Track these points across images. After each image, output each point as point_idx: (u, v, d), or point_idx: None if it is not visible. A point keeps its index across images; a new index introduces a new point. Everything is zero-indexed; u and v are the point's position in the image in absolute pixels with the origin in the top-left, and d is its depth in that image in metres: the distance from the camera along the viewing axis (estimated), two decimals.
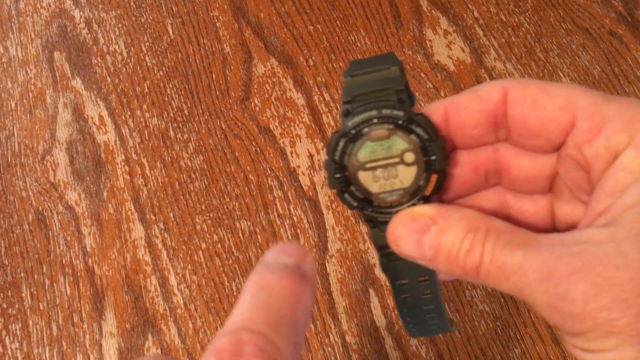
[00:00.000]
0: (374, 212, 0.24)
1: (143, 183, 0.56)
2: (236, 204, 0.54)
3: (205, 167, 0.56)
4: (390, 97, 0.23)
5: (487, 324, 0.49)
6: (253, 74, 0.61)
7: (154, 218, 0.54)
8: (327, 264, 0.52)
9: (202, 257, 0.53)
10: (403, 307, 0.26)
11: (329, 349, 0.49)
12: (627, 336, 0.18)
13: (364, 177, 0.23)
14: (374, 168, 0.23)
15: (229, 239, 0.53)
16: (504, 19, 0.62)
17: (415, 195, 0.23)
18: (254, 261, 0.52)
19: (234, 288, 0.51)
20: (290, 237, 0.53)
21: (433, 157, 0.23)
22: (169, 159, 0.57)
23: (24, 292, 0.52)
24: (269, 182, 0.55)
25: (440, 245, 0.21)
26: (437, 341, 0.48)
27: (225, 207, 0.54)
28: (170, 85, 0.60)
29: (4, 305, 0.52)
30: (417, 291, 0.25)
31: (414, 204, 0.23)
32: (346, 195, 0.24)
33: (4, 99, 0.61)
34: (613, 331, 0.18)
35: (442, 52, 0.60)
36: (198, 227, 0.54)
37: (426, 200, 0.24)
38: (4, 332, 0.51)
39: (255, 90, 0.60)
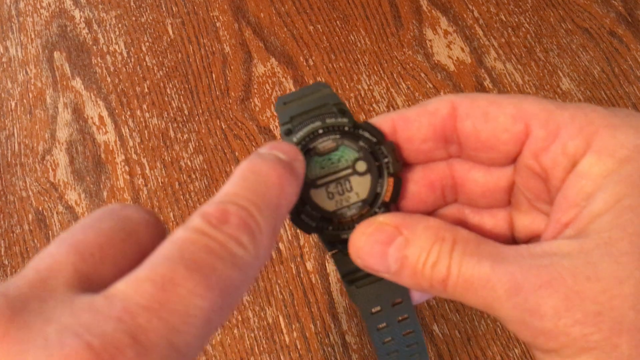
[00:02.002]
0: (336, 230, 0.22)
1: (143, 183, 0.56)
2: None
3: (205, 167, 0.56)
4: (331, 109, 0.22)
5: (487, 324, 0.49)
6: (253, 74, 0.61)
7: None
8: (327, 264, 0.52)
9: None
10: (380, 341, 0.24)
11: (329, 349, 0.49)
12: (602, 352, 0.17)
13: (317, 195, 0.22)
14: (326, 184, 0.22)
15: None
16: (504, 19, 0.62)
17: (375, 203, 0.22)
18: None
19: None
20: (290, 236, 0.53)
21: (385, 160, 0.22)
22: (169, 159, 0.57)
23: None
24: None
25: (406, 257, 0.20)
26: (437, 341, 0.48)
27: None
28: (170, 85, 0.60)
29: None
30: (393, 317, 0.23)
31: (375, 213, 0.22)
32: (303, 217, 0.22)
33: (4, 99, 0.61)
34: (588, 347, 0.17)
35: (442, 52, 0.60)
36: None
37: (387, 207, 0.23)
38: None
39: (255, 90, 0.60)
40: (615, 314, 0.17)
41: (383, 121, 0.23)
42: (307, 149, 0.22)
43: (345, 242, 0.22)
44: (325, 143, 0.22)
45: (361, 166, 0.22)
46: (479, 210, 0.25)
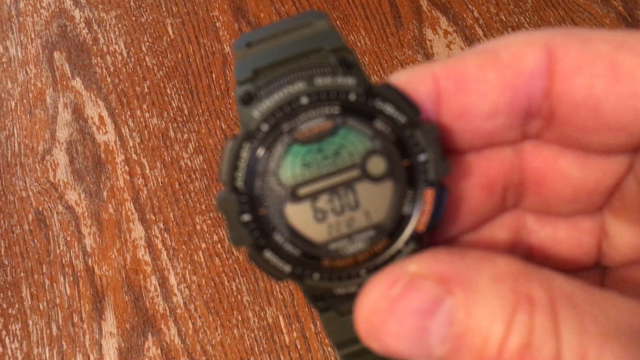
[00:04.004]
0: (326, 280, 0.13)
1: (143, 183, 0.56)
2: None
3: (205, 167, 0.56)
4: (326, 60, 0.13)
5: None
6: None
7: (154, 218, 0.54)
8: None
9: (202, 257, 0.53)
10: None
11: (329, 349, 0.49)
12: None
13: (296, 214, 0.13)
14: (313, 195, 0.13)
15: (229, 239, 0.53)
16: (504, 19, 0.62)
17: (399, 234, 0.13)
18: None
19: (234, 288, 0.51)
20: None
21: (422, 158, 0.13)
22: (169, 159, 0.57)
23: (24, 292, 0.52)
24: None
25: (465, 335, 0.12)
26: None
27: None
28: (170, 85, 0.60)
29: (4, 305, 0.52)
30: None
31: (399, 254, 0.13)
32: (268, 255, 0.13)
33: (4, 99, 0.61)
34: None
35: (442, 52, 0.60)
36: (198, 227, 0.54)
37: (420, 242, 0.14)
38: (4, 332, 0.51)
39: None
40: None
41: (418, 80, 0.13)
42: (281, 132, 0.13)
43: (342, 299, 0.14)
44: (313, 122, 0.13)
45: (377, 165, 0.13)
46: (550, 219, 0.16)
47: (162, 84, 0.61)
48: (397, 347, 0.12)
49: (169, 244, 0.53)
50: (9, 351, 0.50)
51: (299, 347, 0.49)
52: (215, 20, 0.64)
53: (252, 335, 0.50)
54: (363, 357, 0.14)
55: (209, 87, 0.60)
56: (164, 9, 0.65)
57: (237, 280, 0.52)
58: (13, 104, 0.61)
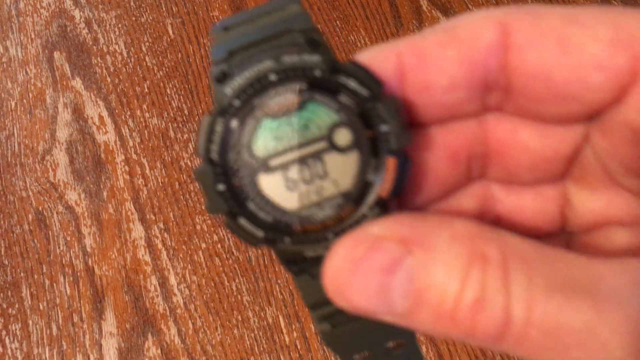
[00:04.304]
0: (297, 244, 0.14)
1: (143, 183, 0.56)
2: None
3: None
4: (295, 39, 0.14)
5: None
6: None
7: (154, 218, 0.54)
8: None
9: (202, 257, 0.53)
10: None
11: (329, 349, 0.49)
12: None
13: (269, 183, 0.14)
14: (284, 166, 0.14)
15: (229, 239, 0.53)
16: None
17: (364, 200, 0.14)
18: (254, 261, 0.52)
19: (234, 288, 0.51)
20: None
21: (384, 129, 0.14)
22: (169, 159, 0.57)
23: (24, 292, 0.52)
24: None
25: (423, 291, 0.13)
26: (437, 341, 0.48)
27: None
28: (170, 85, 0.60)
29: (4, 305, 0.52)
30: None
31: (364, 218, 0.14)
32: (242, 222, 0.14)
33: (4, 99, 0.61)
34: None
35: None
36: (198, 227, 0.54)
37: (384, 208, 0.14)
38: (4, 332, 0.51)
39: None
40: None
41: (382, 57, 0.14)
42: (252, 107, 0.14)
43: (312, 262, 0.15)
44: (281, 97, 0.14)
45: (343, 137, 0.14)
46: (516, 188, 0.17)
47: (162, 84, 0.61)
48: (362, 304, 0.13)
49: (169, 244, 0.53)
50: (9, 351, 0.50)
51: (299, 347, 0.49)
52: (215, 20, 0.64)
53: (252, 335, 0.50)
54: (335, 318, 0.15)
55: (209, 87, 0.60)
56: (164, 9, 0.65)
57: (237, 280, 0.52)
58: (13, 104, 0.61)
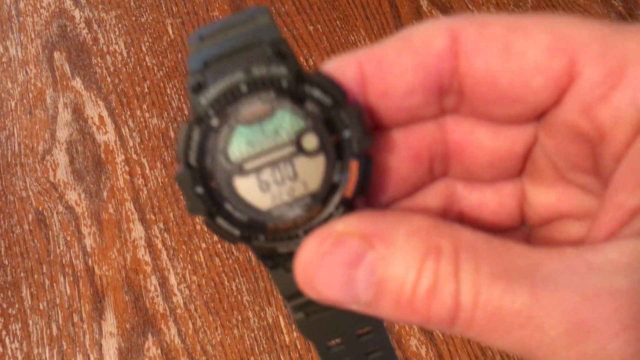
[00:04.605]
0: (270, 241, 0.16)
1: (143, 183, 0.56)
2: None
3: None
4: (264, 52, 0.15)
5: None
6: None
7: (154, 218, 0.54)
8: None
9: (202, 257, 0.53)
10: None
11: None
12: None
13: (243, 185, 0.15)
14: (257, 169, 0.15)
15: None
16: None
17: (330, 200, 0.15)
18: (254, 261, 0.52)
19: (234, 288, 0.51)
20: None
21: (347, 134, 0.15)
22: (169, 159, 0.57)
23: (24, 292, 0.52)
24: None
25: (384, 281, 0.14)
26: (437, 341, 0.48)
27: None
28: (170, 85, 0.60)
29: (4, 305, 0.52)
30: (358, 351, 0.17)
31: (331, 216, 0.15)
32: (220, 221, 0.15)
33: (4, 99, 0.61)
34: None
35: None
36: (198, 227, 0.54)
37: (349, 207, 0.16)
38: (4, 332, 0.51)
39: None
40: None
41: (345, 66, 0.15)
42: (226, 116, 0.15)
43: (285, 257, 0.16)
44: (253, 106, 0.15)
45: (310, 142, 0.15)
46: (477, 185, 0.18)
47: (162, 84, 0.61)
48: (330, 295, 0.15)
49: (169, 244, 0.53)
50: (9, 351, 0.50)
51: (299, 347, 0.49)
52: (215, 21, 0.64)
53: (252, 335, 0.50)
54: (308, 308, 0.16)
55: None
56: (164, 9, 0.65)
57: (237, 280, 0.52)
58: (13, 104, 0.61)
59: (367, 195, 0.17)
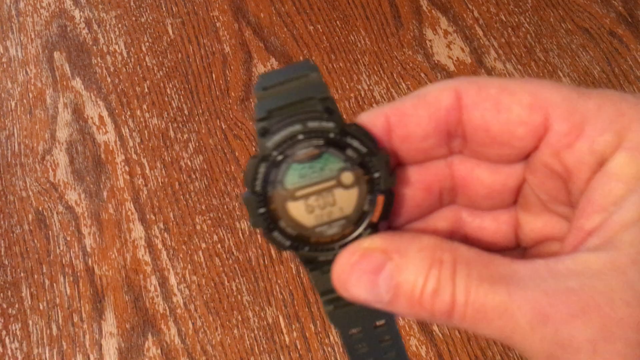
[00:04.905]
0: (313, 251, 0.20)
1: (143, 183, 0.56)
2: (236, 204, 0.54)
3: (205, 167, 0.56)
4: (315, 107, 0.19)
5: None
6: (253, 73, 0.61)
7: (154, 218, 0.54)
8: None
9: (202, 257, 0.53)
10: None
11: (329, 349, 0.49)
12: None
13: (294, 208, 0.20)
14: (306, 196, 0.20)
15: (229, 239, 0.53)
16: (504, 19, 0.62)
17: (360, 223, 0.20)
18: (254, 261, 0.52)
19: (234, 288, 0.51)
20: None
21: (376, 175, 0.20)
22: (169, 159, 0.57)
23: (24, 292, 0.52)
24: None
25: (400, 285, 0.18)
26: (437, 341, 0.48)
27: (225, 207, 0.54)
28: (170, 85, 0.60)
29: (4, 305, 0.52)
30: (374, 339, 0.22)
31: (360, 235, 0.20)
32: (275, 234, 0.20)
33: (4, 99, 0.61)
34: None
35: (442, 52, 0.60)
36: (198, 227, 0.54)
37: (374, 229, 0.20)
38: (4, 332, 0.51)
39: None
40: None
41: (375, 118, 0.20)
42: (285, 156, 0.19)
43: (324, 263, 0.20)
44: (306, 150, 0.19)
45: (347, 178, 0.20)
46: (479, 213, 0.23)
47: (162, 84, 0.61)
48: (358, 295, 0.19)
49: (169, 244, 0.53)
50: (9, 351, 0.50)
51: (299, 347, 0.49)
52: (215, 20, 0.64)
53: (252, 335, 0.50)
54: (337, 302, 0.21)
55: (209, 87, 0.60)
56: (164, 9, 0.65)
57: (237, 280, 0.52)
58: (13, 104, 0.61)
59: (388, 219, 0.21)
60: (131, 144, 0.58)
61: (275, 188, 0.19)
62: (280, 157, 0.19)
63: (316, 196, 0.20)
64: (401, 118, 0.20)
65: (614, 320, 0.16)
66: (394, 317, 0.21)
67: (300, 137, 0.19)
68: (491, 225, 0.22)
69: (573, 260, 0.17)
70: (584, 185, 0.18)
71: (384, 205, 0.20)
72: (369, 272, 0.19)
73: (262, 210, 0.20)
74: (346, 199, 0.20)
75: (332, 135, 0.19)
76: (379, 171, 0.19)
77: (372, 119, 0.20)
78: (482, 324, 0.17)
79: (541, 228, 0.21)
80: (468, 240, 0.23)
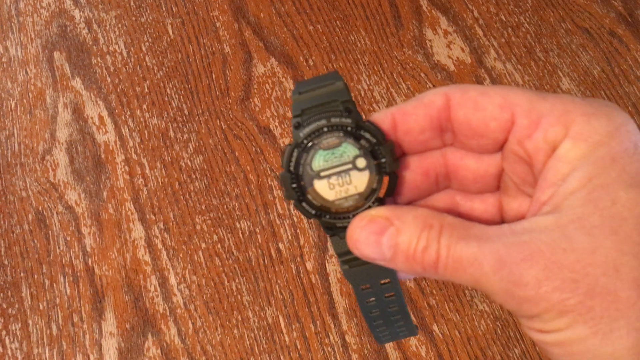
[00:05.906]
0: (332, 219, 0.25)
1: (143, 183, 0.56)
2: (236, 204, 0.54)
3: (205, 167, 0.56)
4: (338, 107, 0.24)
5: (487, 324, 0.49)
6: (253, 73, 0.61)
7: (154, 218, 0.54)
8: (327, 263, 0.52)
9: (202, 257, 0.53)
10: (368, 312, 0.27)
11: (329, 349, 0.49)
12: (578, 314, 0.20)
13: (319, 185, 0.24)
14: (328, 176, 0.24)
15: (229, 239, 0.53)
16: (504, 19, 0.62)
17: (370, 198, 0.24)
18: (254, 261, 0.52)
19: (234, 288, 0.51)
20: (290, 237, 0.53)
21: (383, 160, 0.24)
22: (169, 159, 0.57)
23: (24, 292, 0.52)
24: (269, 182, 0.55)
25: (398, 244, 0.23)
26: (437, 341, 0.48)
27: (225, 207, 0.54)
28: (170, 85, 0.60)
29: (4, 305, 0.52)
30: (380, 294, 0.26)
31: (369, 207, 0.25)
32: (304, 205, 0.25)
33: (4, 99, 0.61)
34: (565, 310, 0.20)
35: (442, 52, 0.60)
36: (198, 227, 0.54)
37: (381, 202, 0.25)
38: (4, 332, 0.51)
39: (255, 90, 0.60)
40: (589, 280, 0.20)
41: (384, 116, 0.24)
42: (313, 144, 0.24)
43: (340, 229, 0.25)
44: (329, 140, 0.24)
45: (361, 162, 0.24)
46: (470, 196, 0.27)
47: (162, 84, 0.61)
48: (367, 253, 0.23)
49: (169, 244, 0.53)
50: (9, 351, 0.50)
51: (299, 347, 0.49)
52: (215, 20, 0.64)
53: (252, 335, 0.50)
54: (352, 262, 0.25)
55: (209, 87, 0.60)
56: (164, 9, 0.65)
57: (237, 280, 0.52)
58: (13, 104, 0.61)
59: (393, 196, 0.26)
60: (131, 144, 0.58)
61: (305, 169, 0.24)
62: (309, 145, 0.24)
63: (336, 176, 0.24)
64: (404, 116, 0.24)
65: (554, 263, 0.20)
66: (396, 277, 0.26)
67: (325, 129, 0.24)
68: (480, 206, 0.27)
69: (529, 222, 0.22)
70: (542, 168, 0.23)
71: (389, 184, 0.25)
72: (374, 233, 0.23)
73: (294, 185, 0.24)
74: (360, 179, 0.24)
75: (349, 128, 0.24)
76: (386, 157, 0.24)
77: (382, 117, 0.25)
78: (459, 273, 0.22)
79: (517, 208, 0.26)
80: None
